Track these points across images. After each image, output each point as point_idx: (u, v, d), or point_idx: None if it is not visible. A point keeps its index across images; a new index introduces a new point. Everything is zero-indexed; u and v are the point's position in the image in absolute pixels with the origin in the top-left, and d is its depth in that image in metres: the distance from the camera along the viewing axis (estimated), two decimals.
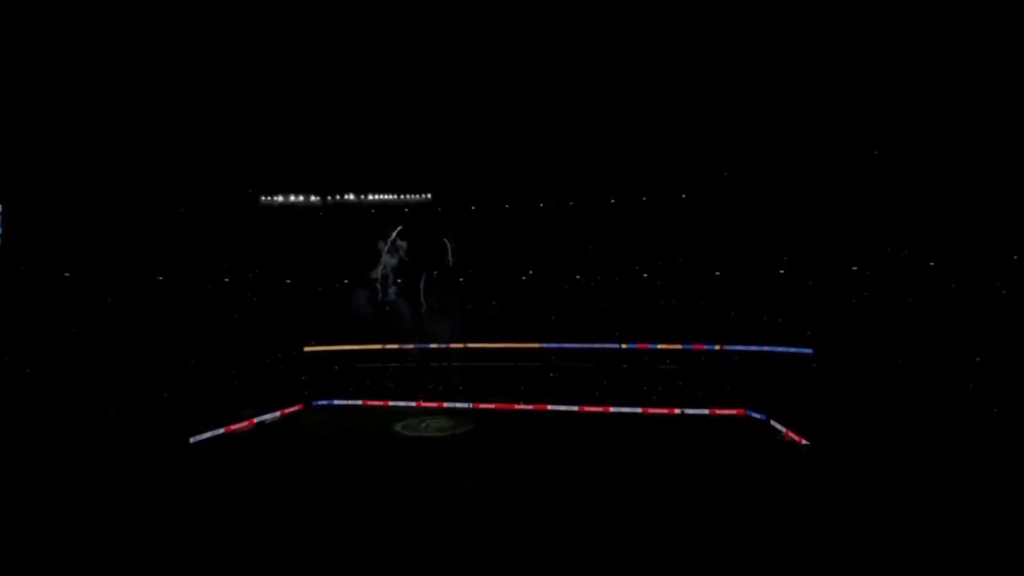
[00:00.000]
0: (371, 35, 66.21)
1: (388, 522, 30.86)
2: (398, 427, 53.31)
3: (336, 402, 65.60)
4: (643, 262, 69.87)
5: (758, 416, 55.50)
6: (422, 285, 69.16)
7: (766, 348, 60.87)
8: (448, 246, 67.34)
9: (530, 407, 61.61)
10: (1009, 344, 45.50)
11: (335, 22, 64.44)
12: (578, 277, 74.15)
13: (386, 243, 65.53)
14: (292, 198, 71.08)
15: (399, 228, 66.66)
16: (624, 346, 65.12)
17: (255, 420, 55.25)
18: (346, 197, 71.60)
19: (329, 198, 71.63)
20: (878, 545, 27.45)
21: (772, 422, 52.63)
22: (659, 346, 65.15)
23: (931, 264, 58.44)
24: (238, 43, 62.05)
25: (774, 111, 67.19)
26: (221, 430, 50.96)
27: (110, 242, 58.27)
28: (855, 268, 60.01)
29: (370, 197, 71.82)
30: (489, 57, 67.88)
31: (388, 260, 66.64)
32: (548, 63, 68.67)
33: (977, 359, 46.47)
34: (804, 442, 44.74)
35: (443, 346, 68.78)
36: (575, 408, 60.71)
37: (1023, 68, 52.44)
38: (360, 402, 65.30)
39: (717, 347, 63.15)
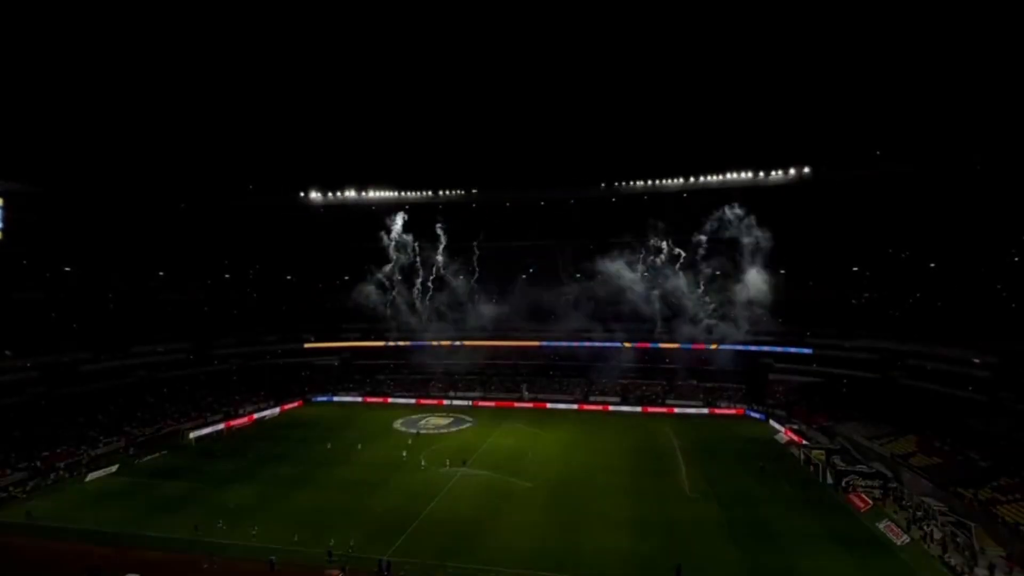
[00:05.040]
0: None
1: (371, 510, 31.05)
2: (397, 424, 53.30)
3: (335, 398, 65.62)
4: None
5: (757, 415, 55.59)
6: (423, 281, 68.78)
7: (766, 348, 60.86)
8: (443, 240, 66.58)
9: (529, 405, 61.68)
10: None
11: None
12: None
13: (388, 239, 65.15)
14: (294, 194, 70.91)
15: (400, 223, 65.91)
16: (627, 345, 64.87)
17: (255, 416, 55.33)
18: (347, 194, 71.30)
19: (331, 194, 71.43)
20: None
21: (771, 421, 52.76)
22: (660, 345, 65.11)
23: None
24: (237, 43, 62.00)
25: None
26: (221, 425, 51.10)
27: (111, 237, 58.27)
28: None
29: (371, 194, 71.53)
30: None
31: (392, 256, 66.11)
32: None
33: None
34: (804, 442, 44.71)
35: (444, 344, 68.73)
36: (575, 406, 60.81)
37: None
38: (360, 399, 65.33)
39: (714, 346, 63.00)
